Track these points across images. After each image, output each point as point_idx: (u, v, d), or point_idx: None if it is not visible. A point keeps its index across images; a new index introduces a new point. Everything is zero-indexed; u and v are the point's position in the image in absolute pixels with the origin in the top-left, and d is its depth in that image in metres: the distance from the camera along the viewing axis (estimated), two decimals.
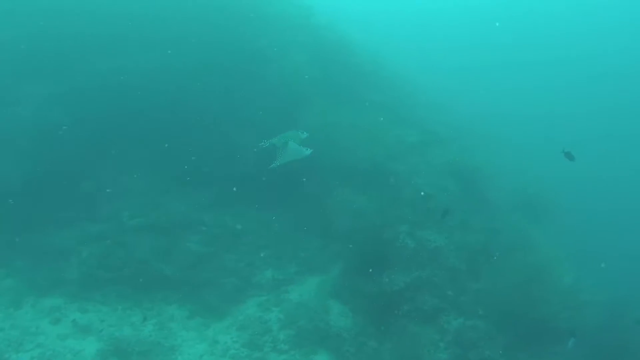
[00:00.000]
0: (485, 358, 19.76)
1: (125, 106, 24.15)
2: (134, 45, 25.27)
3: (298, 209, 24.99)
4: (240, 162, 24.49)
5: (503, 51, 71.72)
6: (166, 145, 23.75)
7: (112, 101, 24.14)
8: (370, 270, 21.17)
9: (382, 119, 26.19)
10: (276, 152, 17.54)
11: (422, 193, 23.90)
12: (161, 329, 19.99)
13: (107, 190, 22.83)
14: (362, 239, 22.05)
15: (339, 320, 20.83)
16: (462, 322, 20.45)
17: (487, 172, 27.09)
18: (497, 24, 74.96)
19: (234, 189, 23.54)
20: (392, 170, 24.71)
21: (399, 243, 21.76)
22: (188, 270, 22.02)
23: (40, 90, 24.21)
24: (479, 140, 32.48)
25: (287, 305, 21.62)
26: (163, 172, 24.26)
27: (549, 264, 23.80)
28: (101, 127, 23.79)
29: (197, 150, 24.22)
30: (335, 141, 24.60)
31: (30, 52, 24.70)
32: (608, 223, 38.21)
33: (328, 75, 27.80)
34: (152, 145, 24.16)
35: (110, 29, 25.03)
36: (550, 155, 44.28)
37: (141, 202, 23.47)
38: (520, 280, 21.15)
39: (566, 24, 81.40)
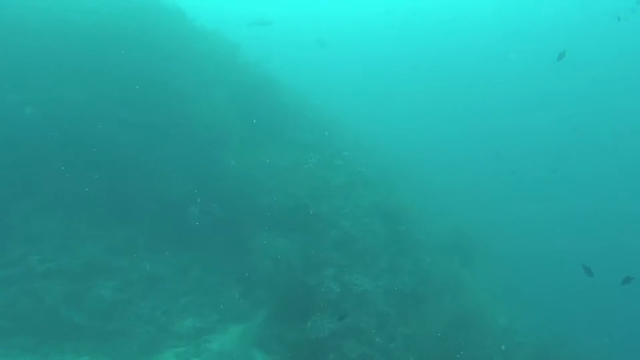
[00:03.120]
0: None
1: (36, 142, 22.78)
2: (48, 77, 23.98)
3: (219, 253, 23.97)
4: (159, 203, 23.51)
5: (431, 95, 72.55)
6: (81, 184, 22.56)
7: (22, 136, 22.78)
8: (295, 316, 20.21)
9: (314, 160, 25.60)
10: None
11: None
12: None
13: None
14: (286, 284, 21.22)
15: None
16: None
17: (415, 214, 26.53)
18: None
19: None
20: (316, 212, 23.90)
21: (324, 288, 20.82)
22: (101, 318, 20.58)
23: None
24: (407, 182, 32.12)
25: (208, 355, 20.51)
26: (76, 212, 22.87)
27: (482, 306, 23.43)
28: (10, 163, 22.42)
29: (112, 190, 23.17)
30: (256, 182, 23.85)
31: None
32: (539, 264, 38.34)
33: (251, 114, 27.04)
34: (65, 184, 22.78)
35: (21, 59, 23.76)
36: (478, 197, 45.05)
37: (52, 245, 21.89)
38: (452, 324, 20.48)
39: (490, 71, 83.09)
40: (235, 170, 24.30)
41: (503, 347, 23.23)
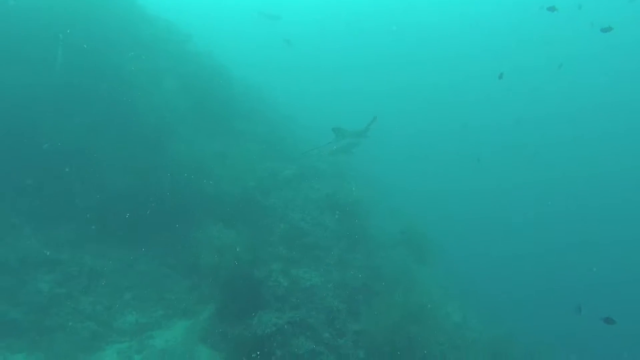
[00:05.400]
0: None
1: None
2: None
3: (165, 246, 23.25)
4: (103, 195, 22.79)
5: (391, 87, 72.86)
6: (20, 175, 21.82)
7: None
8: (241, 311, 19.62)
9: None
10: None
11: None
12: None
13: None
14: (233, 278, 20.57)
15: None
16: None
17: (367, 208, 26.01)
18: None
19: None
20: (264, 204, 23.34)
21: (271, 282, 20.29)
22: (38, 313, 19.58)
23: None
24: (360, 175, 31.67)
25: (151, 352, 19.69)
26: (13, 204, 21.92)
27: (435, 302, 23.15)
28: None
29: (53, 180, 22.34)
30: (204, 173, 23.17)
31: None
32: (491, 260, 38.47)
33: (200, 105, 26.35)
34: (1, 175, 21.85)
35: None
36: (432, 192, 45.12)
37: None
38: (404, 320, 20.04)
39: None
40: (183, 161, 23.59)
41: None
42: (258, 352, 18.72)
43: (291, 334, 19.11)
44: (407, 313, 20.31)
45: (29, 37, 23.68)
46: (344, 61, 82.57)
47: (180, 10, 39.83)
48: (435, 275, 27.95)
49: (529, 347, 27.19)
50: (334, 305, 20.50)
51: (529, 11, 75.20)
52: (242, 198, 23.26)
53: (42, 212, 21.94)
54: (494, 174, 60.08)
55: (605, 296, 38.93)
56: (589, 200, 60.65)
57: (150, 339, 20.35)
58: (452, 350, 21.86)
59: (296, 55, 66.64)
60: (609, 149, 73.02)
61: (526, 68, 78.61)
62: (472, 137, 66.40)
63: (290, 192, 24.52)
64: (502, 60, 76.61)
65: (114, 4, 27.74)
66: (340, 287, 21.31)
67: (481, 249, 40.06)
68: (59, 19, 24.56)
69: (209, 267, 20.95)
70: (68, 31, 24.00)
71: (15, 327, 19.11)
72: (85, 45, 24.32)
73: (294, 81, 59.59)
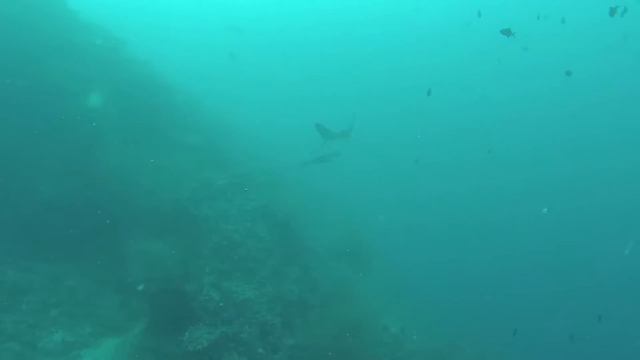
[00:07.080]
0: None
1: None
2: None
3: (96, 260, 22.41)
4: (28, 206, 21.95)
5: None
6: None
7: None
8: (172, 327, 19.00)
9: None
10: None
11: None
12: None
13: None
14: (163, 293, 19.95)
15: None
16: None
17: (304, 219, 25.53)
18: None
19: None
20: (197, 216, 22.71)
21: (202, 296, 19.64)
22: None
23: None
24: (297, 187, 31.21)
25: None
26: None
27: (373, 314, 22.77)
28: None
29: None
30: (134, 183, 22.48)
31: None
32: (431, 272, 38.41)
33: (133, 113, 25.59)
34: None
35: None
36: (371, 205, 44.87)
37: None
38: (341, 333, 19.69)
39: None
40: (114, 171, 22.85)
41: None
42: None
43: (223, 349, 18.59)
44: (343, 326, 19.99)
45: None
46: (291, 71, 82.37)
47: (118, 17, 38.97)
48: (375, 286, 27.56)
49: (472, 356, 27.04)
50: (268, 320, 20.08)
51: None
52: (174, 209, 22.62)
53: None
54: (441, 181, 60.31)
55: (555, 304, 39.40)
56: (538, 204, 60.82)
57: (77, 359, 19.60)
58: None
59: (242, 66, 66.45)
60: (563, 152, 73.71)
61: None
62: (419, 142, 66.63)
63: (224, 203, 23.84)
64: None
65: (45, 10, 26.88)
66: (275, 301, 20.86)
67: (425, 258, 40.00)
68: None
69: (139, 282, 20.32)
70: None
71: None
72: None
73: (239, 92, 59.12)
